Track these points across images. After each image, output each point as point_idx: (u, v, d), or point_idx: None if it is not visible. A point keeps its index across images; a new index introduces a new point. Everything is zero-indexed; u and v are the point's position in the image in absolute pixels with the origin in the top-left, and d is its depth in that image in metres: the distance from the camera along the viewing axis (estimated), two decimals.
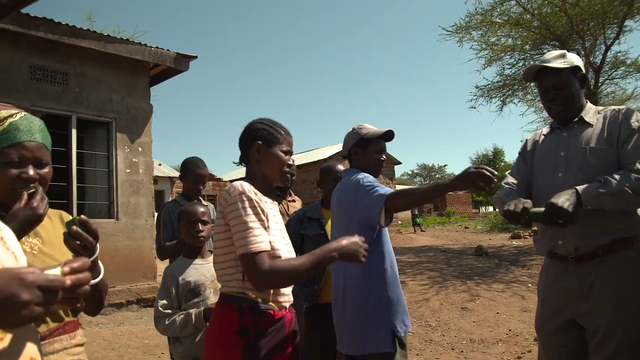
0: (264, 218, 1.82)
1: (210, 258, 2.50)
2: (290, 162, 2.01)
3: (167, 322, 2.47)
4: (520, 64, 14.31)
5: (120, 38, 7.03)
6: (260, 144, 1.93)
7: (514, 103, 15.10)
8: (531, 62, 14.53)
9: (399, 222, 26.07)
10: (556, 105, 2.30)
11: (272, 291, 1.84)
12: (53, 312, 0.82)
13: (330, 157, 22.42)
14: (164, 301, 2.53)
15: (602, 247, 2.11)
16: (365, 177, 2.57)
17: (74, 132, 6.79)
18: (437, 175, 78.15)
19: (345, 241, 1.83)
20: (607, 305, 2.07)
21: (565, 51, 2.35)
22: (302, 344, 3.50)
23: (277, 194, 4.58)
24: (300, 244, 3.32)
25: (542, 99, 2.37)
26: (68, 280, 0.86)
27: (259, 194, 1.87)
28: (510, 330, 5.75)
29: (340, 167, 3.30)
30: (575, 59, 2.29)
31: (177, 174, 24.90)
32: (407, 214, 31.29)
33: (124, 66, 7.34)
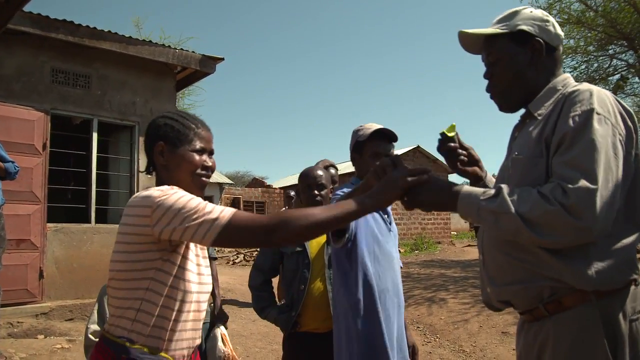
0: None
1: None
2: (208, 163, 1.60)
3: None
4: (583, 67, 13.23)
5: (142, 40, 6.92)
6: (163, 145, 1.57)
7: None
8: (595, 65, 13.43)
9: (453, 232, 24.98)
10: (491, 88, 1.64)
11: (166, 338, 1.44)
12: None
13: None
14: (96, 327, 2.18)
15: (545, 304, 1.43)
16: (340, 189, 2.30)
17: (94, 136, 6.69)
18: None
19: (377, 187, 1.46)
20: None
21: (519, 8, 1.60)
22: None
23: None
24: (279, 263, 2.94)
25: None
26: None
27: None
28: None
29: (319, 172, 2.85)
30: (524, 19, 1.56)
31: (227, 180, 25.32)
32: (463, 224, 29.96)
33: (149, 69, 7.19)
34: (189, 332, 1.52)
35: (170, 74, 7.52)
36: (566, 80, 1.55)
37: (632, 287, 1.38)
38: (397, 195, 1.42)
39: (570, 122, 1.35)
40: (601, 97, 1.38)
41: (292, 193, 7.64)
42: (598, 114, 1.33)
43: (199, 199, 1.41)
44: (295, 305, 2.73)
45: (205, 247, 1.65)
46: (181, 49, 7.25)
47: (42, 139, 6.12)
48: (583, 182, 1.26)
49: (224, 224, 1.33)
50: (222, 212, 1.36)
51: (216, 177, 24.03)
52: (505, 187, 1.36)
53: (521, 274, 1.45)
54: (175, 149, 1.56)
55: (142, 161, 7.06)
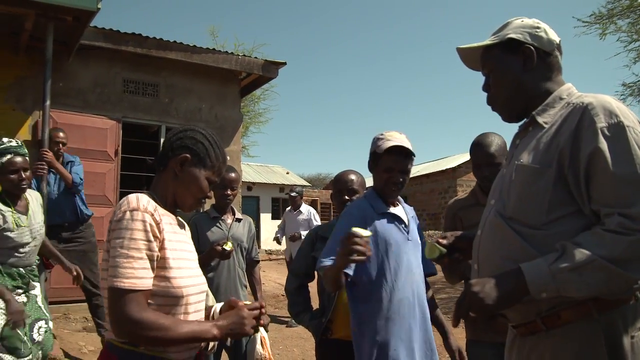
0: (155, 248, 1.44)
1: None
2: (210, 195, 1.67)
3: None
4: None
5: (206, 48, 7.14)
6: (189, 157, 1.58)
7: None
8: None
9: None
10: (491, 100, 1.62)
11: None
12: None
13: (459, 166, 21.18)
14: None
15: (542, 317, 1.32)
16: (344, 214, 2.32)
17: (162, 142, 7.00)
18: None
19: (229, 320, 1.50)
20: None
21: (511, 19, 1.61)
22: None
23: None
24: (313, 268, 2.88)
25: None
26: None
27: (159, 210, 1.50)
28: None
29: (352, 176, 2.77)
30: (514, 28, 1.55)
31: (305, 182, 25.66)
32: None
33: (214, 76, 7.44)
34: None
35: (234, 80, 7.73)
36: (570, 89, 1.51)
37: (632, 302, 1.28)
38: (244, 333, 1.48)
39: (601, 135, 1.28)
40: (622, 108, 1.33)
41: (294, 193, 7.56)
42: (627, 126, 1.29)
43: (143, 244, 1.40)
44: (326, 312, 2.67)
45: (192, 242, 1.69)
46: (244, 55, 7.41)
47: (114, 145, 6.51)
48: None
49: (121, 287, 1.35)
50: (134, 279, 1.36)
51: (294, 179, 24.43)
52: (565, 242, 1.26)
53: None
54: (196, 168, 1.59)
55: None
